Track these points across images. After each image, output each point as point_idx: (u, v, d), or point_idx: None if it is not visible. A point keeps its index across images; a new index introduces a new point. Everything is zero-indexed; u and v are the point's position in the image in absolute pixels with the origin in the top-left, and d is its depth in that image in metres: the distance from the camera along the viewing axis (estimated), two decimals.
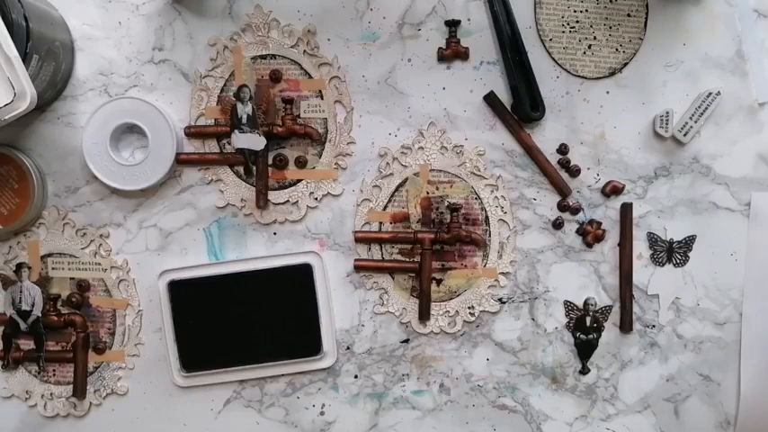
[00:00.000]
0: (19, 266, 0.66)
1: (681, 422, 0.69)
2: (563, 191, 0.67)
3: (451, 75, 0.67)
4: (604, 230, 0.68)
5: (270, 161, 0.66)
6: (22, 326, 0.66)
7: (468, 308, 0.68)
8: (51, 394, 0.68)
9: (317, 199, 0.67)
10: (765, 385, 0.68)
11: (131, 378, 0.68)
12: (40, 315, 0.66)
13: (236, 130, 0.65)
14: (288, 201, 0.67)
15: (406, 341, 0.68)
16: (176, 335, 0.66)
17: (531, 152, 0.67)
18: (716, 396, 0.69)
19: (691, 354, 0.69)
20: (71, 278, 0.67)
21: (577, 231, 0.68)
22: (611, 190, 0.67)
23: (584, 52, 0.67)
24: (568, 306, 0.68)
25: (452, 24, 0.65)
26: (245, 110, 0.65)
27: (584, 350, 0.69)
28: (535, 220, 0.68)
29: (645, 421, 0.69)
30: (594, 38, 0.66)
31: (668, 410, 0.69)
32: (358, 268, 0.67)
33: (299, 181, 0.67)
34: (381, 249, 0.68)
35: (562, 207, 0.68)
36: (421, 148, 0.67)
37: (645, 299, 0.68)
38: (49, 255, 0.67)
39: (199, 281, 0.66)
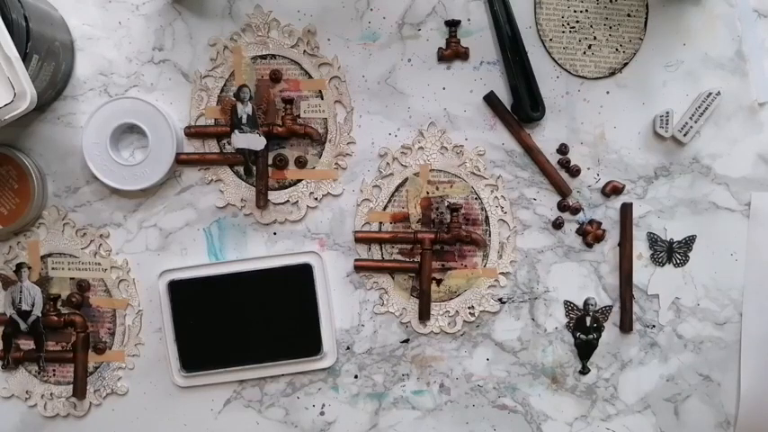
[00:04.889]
0: (19, 266, 0.66)
1: (681, 422, 0.69)
2: (563, 191, 0.67)
3: (451, 75, 0.67)
4: (604, 230, 0.68)
5: (270, 161, 0.66)
6: (22, 326, 0.66)
7: (468, 308, 0.68)
8: (51, 394, 0.68)
9: (317, 199, 0.67)
10: (765, 385, 0.68)
11: (131, 378, 0.68)
12: (40, 315, 0.66)
13: (236, 130, 0.65)
14: (288, 201, 0.67)
15: (406, 341, 0.68)
16: (176, 335, 0.66)
17: (531, 152, 0.67)
18: (716, 396, 0.69)
19: (691, 354, 0.69)
20: (71, 278, 0.67)
21: (577, 231, 0.68)
22: (611, 190, 0.67)
23: (584, 52, 0.67)
24: (568, 306, 0.68)
25: (452, 24, 0.65)
26: (245, 110, 0.65)
27: (585, 350, 0.69)
28: (535, 220, 0.68)
29: (645, 421, 0.69)
30: (594, 38, 0.66)
31: (668, 410, 0.69)
32: (358, 268, 0.67)
33: (299, 181, 0.67)
34: (381, 249, 0.68)
35: (562, 207, 0.68)
36: (421, 148, 0.67)
37: (645, 299, 0.68)
38: (49, 255, 0.67)
39: (199, 281, 0.66)
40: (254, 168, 0.66)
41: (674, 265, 0.68)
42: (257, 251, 0.68)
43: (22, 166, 0.65)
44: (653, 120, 0.67)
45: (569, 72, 0.67)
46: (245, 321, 0.66)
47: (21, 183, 0.65)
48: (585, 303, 0.68)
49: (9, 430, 0.68)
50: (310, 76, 0.66)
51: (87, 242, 0.67)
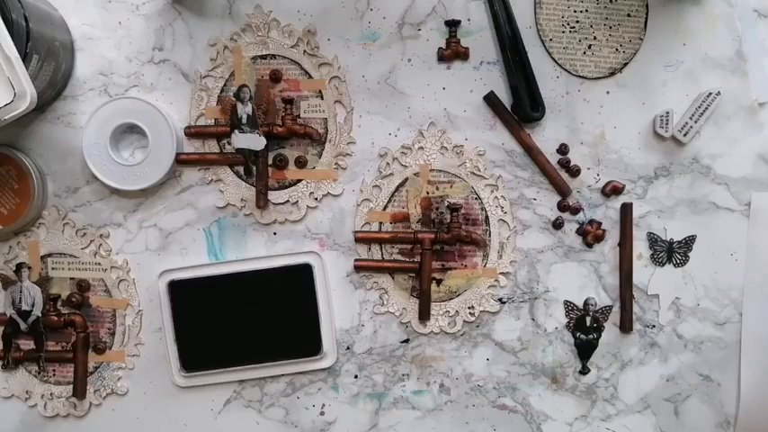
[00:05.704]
0: (19, 266, 0.66)
1: (681, 422, 0.69)
2: (563, 191, 0.67)
3: (451, 75, 0.67)
4: (604, 230, 0.68)
5: (270, 161, 0.66)
6: (22, 326, 0.66)
7: (468, 308, 0.68)
8: (51, 394, 0.68)
9: (317, 199, 0.67)
10: (765, 385, 0.68)
11: (131, 378, 0.68)
12: (40, 315, 0.66)
13: (236, 130, 0.65)
14: (288, 201, 0.67)
15: (406, 341, 0.68)
16: (176, 335, 0.66)
17: (531, 152, 0.67)
18: (716, 396, 0.69)
19: (691, 354, 0.69)
20: (71, 278, 0.67)
21: (577, 231, 0.68)
22: (611, 190, 0.67)
23: (584, 52, 0.67)
24: (568, 306, 0.68)
25: (452, 24, 0.65)
26: (245, 110, 0.65)
27: (585, 350, 0.69)
28: (535, 220, 0.68)
29: (645, 421, 0.69)
30: (594, 38, 0.66)
31: (668, 410, 0.69)
32: (358, 268, 0.67)
33: (299, 181, 0.67)
34: (381, 249, 0.67)
35: (562, 207, 0.68)
36: (421, 148, 0.67)
37: (645, 299, 0.68)
38: (49, 255, 0.67)
39: (199, 281, 0.66)
40: (254, 168, 0.66)
41: (674, 265, 0.68)
42: (257, 251, 0.68)
43: (22, 166, 0.65)
44: (653, 120, 0.67)
45: (569, 72, 0.67)
46: (246, 321, 0.66)
47: (21, 183, 0.65)
48: (585, 303, 0.68)
49: (9, 430, 0.68)
50: (310, 76, 0.66)
51: (87, 242, 0.67)
